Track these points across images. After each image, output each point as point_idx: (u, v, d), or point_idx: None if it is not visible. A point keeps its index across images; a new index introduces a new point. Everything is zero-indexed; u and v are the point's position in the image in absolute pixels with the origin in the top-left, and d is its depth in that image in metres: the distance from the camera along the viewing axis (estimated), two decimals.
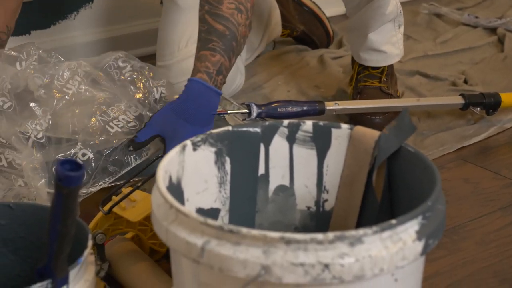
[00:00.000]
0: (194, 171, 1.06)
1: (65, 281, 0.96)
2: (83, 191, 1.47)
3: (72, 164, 0.90)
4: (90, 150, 1.48)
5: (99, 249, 1.31)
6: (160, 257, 1.41)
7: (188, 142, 1.05)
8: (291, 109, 1.66)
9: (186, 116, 1.40)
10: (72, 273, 0.96)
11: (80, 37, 2.19)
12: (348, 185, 1.09)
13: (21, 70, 1.54)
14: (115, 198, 1.35)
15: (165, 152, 1.42)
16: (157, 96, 1.60)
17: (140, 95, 1.58)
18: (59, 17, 2.16)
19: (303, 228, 1.13)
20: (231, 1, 1.44)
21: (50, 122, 1.49)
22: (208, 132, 1.07)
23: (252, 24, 1.56)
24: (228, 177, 1.09)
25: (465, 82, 2.13)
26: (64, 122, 1.50)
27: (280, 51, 2.31)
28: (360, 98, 1.91)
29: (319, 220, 1.13)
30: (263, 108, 1.69)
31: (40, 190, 1.41)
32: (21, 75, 1.52)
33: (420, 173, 1.00)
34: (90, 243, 1.02)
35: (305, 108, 1.69)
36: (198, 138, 1.06)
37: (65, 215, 0.91)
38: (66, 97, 1.52)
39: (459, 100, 1.87)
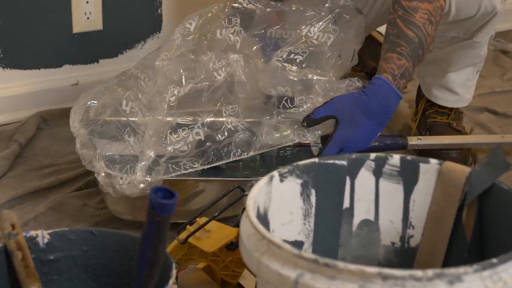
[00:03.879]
0: (280, 202, 1.05)
1: None
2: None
3: (165, 192, 0.90)
4: (203, 132, 1.56)
5: None
6: None
7: (275, 173, 1.04)
8: (373, 143, 1.65)
9: (366, 109, 1.45)
10: None
11: None
12: (436, 222, 1.07)
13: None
14: (189, 228, 1.35)
15: (332, 135, 1.47)
16: None
17: None
18: (127, 46, 2.17)
19: (387, 264, 1.11)
20: (425, 11, 1.49)
21: (186, 91, 1.56)
22: (294, 164, 1.06)
23: None
24: (313, 210, 1.08)
25: None
26: (196, 97, 1.59)
27: None
28: (429, 134, 1.89)
29: (403, 257, 1.11)
30: None
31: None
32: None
33: None
34: (174, 272, 1.01)
35: (387, 142, 1.68)
36: (285, 170, 1.05)
37: (156, 242, 0.91)
38: (213, 78, 1.58)
39: None
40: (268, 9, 1.67)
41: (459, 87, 1.87)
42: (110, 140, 1.59)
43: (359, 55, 2.22)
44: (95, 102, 1.60)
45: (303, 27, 1.65)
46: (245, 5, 1.67)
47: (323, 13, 1.67)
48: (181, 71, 1.56)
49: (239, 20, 1.65)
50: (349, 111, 1.45)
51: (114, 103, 1.59)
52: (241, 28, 1.64)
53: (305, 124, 1.51)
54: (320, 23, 1.66)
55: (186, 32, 1.65)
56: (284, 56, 1.63)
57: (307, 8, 1.68)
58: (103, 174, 1.51)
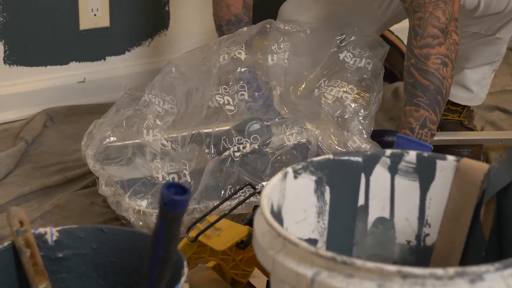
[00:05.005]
0: (294, 199, 1.02)
1: None
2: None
3: (177, 188, 0.88)
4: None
5: None
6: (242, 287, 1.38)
7: (289, 169, 1.02)
8: (387, 138, 1.63)
9: None
10: None
11: (154, 63, 2.18)
12: (453, 220, 1.05)
13: None
14: (199, 226, 1.33)
15: None
16: None
17: None
18: (134, 43, 2.16)
19: (402, 263, 1.09)
20: (437, 56, 1.50)
21: (250, 149, 1.57)
22: (309, 160, 1.04)
23: None
24: (327, 207, 1.06)
25: None
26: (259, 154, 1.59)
27: None
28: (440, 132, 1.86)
29: (419, 255, 1.08)
30: None
31: None
32: None
33: None
34: (186, 270, 0.99)
35: None
36: (299, 166, 1.03)
37: (168, 240, 0.89)
38: (283, 144, 1.59)
39: None
40: (308, 31, 1.67)
41: (474, 85, 1.85)
42: (133, 168, 1.57)
43: None
44: (115, 138, 1.58)
45: (334, 50, 1.66)
46: (283, 27, 1.68)
47: (353, 38, 1.68)
48: (249, 125, 1.57)
49: (289, 44, 1.66)
50: None
51: (134, 133, 1.57)
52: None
53: None
54: (357, 48, 1.66)
55: (237, 62, 1.64)
56: (333, 93, 1.62)
57: (338, 32, 1.71)
58: (134, 214, 1.45)
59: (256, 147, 1.56)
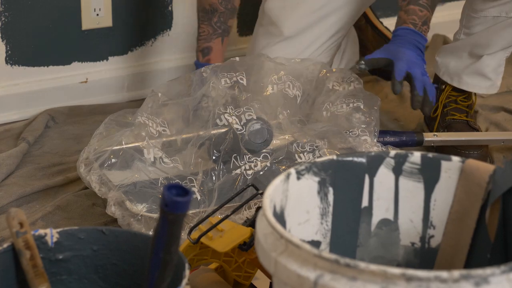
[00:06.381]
0: (297, 200, 1.01)
1: None
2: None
3: (179, 190, 0.86)
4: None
5: None
6: None
7: (292, 171, 1.01)
8: (389, 139, 1.62)
9: (403, 45, 1.60)
10: None
11: (157, 64, 2.17)
12: (458, 221, 1.04)
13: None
14: (202, 228, 1.32)
15: (394, 71, 1.57)
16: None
17: None
18: (137, 43, 2.15)
19: (406, 265, 1.08)
20: None
21: (261, 167, 1.57)
22: (312, 161, 1.03)
23: None
24: (331, 209, 1.05)
25: None
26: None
27: None
28: (447, 132, 1.85)
29: (423, 257, 1.07)
30: None
31: None
32: None
33: None
34: (187, 272, 0.98)
35: (403, 138, 1.66)
36: (302, 167, 1.02)
37: (169, 242, 0.88)
38: (295, 160, 1.60)
39: None
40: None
41: (492, 72, 1.83)
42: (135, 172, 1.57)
43: (369, 50, 2.20)
44: (116, 159, 1.58)
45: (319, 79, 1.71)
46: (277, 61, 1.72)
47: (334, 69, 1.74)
48: (250, 125, 1.58)
49: (290, 76, 1.68)
50: (395, 49, 1.60)
51: (134, 153, 1.58)
52: (298, 83, 1.67)
53: (362, 63, 1.58)
54: (340, 77, 1.70)
55: (240, 87, 1.66)
56: (344, 106, 1.64)
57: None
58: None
59: (268, 164, 1.56)
